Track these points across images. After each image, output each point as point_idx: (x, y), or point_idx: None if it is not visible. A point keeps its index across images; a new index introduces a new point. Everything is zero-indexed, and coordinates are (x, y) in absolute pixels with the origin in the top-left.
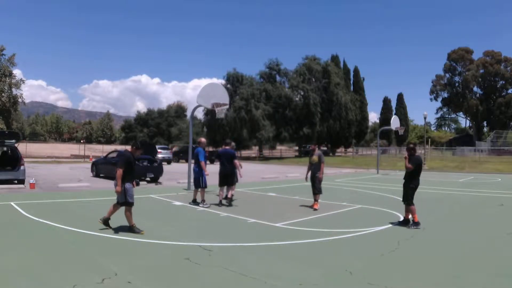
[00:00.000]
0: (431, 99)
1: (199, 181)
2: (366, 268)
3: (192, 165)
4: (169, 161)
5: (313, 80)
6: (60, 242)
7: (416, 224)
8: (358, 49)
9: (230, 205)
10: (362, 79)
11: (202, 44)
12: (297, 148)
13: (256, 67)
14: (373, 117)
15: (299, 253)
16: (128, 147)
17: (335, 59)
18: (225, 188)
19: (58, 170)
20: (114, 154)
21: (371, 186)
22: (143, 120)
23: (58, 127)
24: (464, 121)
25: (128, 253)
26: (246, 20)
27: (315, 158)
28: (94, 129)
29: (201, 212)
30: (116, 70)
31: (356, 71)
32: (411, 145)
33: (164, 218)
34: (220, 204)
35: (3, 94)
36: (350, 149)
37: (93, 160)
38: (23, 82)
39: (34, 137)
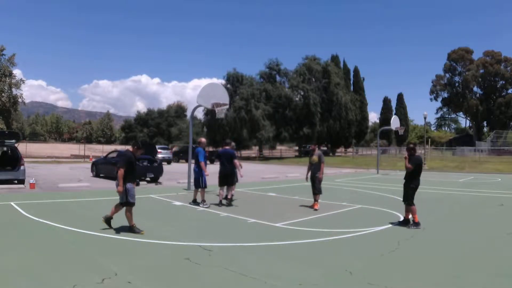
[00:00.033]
0: (431, 99)
1: (199, 181)
2: (366, 268)
3: (193, 165)
4: (169, 161)
5: (313, 80)
6: (60, 242)
7: (416, 224)
8: (358, 49)
9: (230, 205)
10: (362, 79)
11: (202, 44)
12: (297, 148)
13: (256, 67)
14: (373, 117)
15: (299, 253)
16: (128, 147)
17: (335, 59)
18: (225, 188)
19: (58, 170)
20: (114, 154)
21: (371, 186)
22: (143, 120)
23: (58, 127)
24: (464, 121)
25: (128, 253)
26: (246, 20)
27: (315, 158)
28: (94, 129)
29: (201, 212)
30: (116, 70)
31: (356, 71)
32: (411, 145)
33: (164, 218)
34: (220, 204)
35: (3, 94)
36: (350, 149)
37: (93, 160)
38: (23, 82)
39: (34, 137)
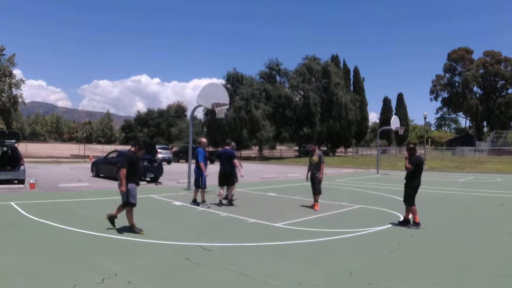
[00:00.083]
0: (431, 99)
1: (199, 181)
2: (366, 268)
3: (193, 165)
4: (169, 161)
5: (313, 80)
6: (60, 242)
7: (416, 224)
8: (358, 49)
9: (231, 205)
10: (362, 79)
11: (202, 44)
12: (297, 148)
13: (256, 67)
14: (373, 117)
15: (299, 253)
16: (128, 147)
17: (335, 59)
18: (225, 188)
19: (58, 170)
20: (114, 154)
21: (371, 186)
22: (143, 120)
23: (58, 127)
24: (464, 121)
25: (128, 253)
26: (246, 20)
27: (315, 158)
28: (94, 129)
29: (201, 212)
30: (116, 70)
31: (356, 71)
32: (411, 145)
33: (164, 218)
34: (220, 204)
35: (3, 94)
36: (350, 149)
37: (93, 160)
38: (23, 82)
39: (34, 137)
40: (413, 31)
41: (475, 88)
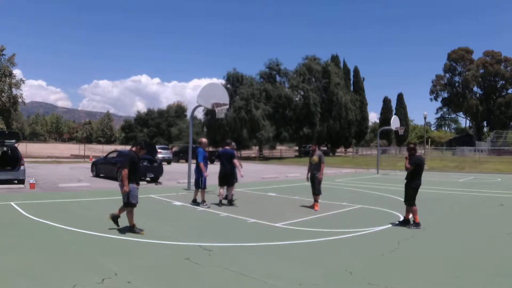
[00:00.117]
0: (431, 99)
1: (199, 182)
2: (366, 268)
3: (193, 166)
4: (169, 161)
5: (313, 80)
6: (60, 242)
7: (416, 225)
8: (358, 49)
9: (231, 205)
10: (362, 79)
11: (202, 44)
12: (297, 148)
13: (256, 67)
14: (373, 117)
15: (299, 253)
16: (128, 147)
17: (335, 59)
18: (225, 188)
19: (58, 170)
20: (114, 154)
21: (371, 186)
22: (143, 120)
23: (58, 127)
24: (464, 121)
25: (128, 253)
26: (246, 20)
27: (315, 158)
28: (94, 129)
29: (201, 212)
30: (116, 70)
31: (356, 71)
32: (412, 145)
33: (164, 218)
34: (220, 204)
35: (3, 94)
36: (350, 149)
37: (93, 160)
38: (23, 82)
39: (34, 137)
40: (413, 31)
41: (475, 88)
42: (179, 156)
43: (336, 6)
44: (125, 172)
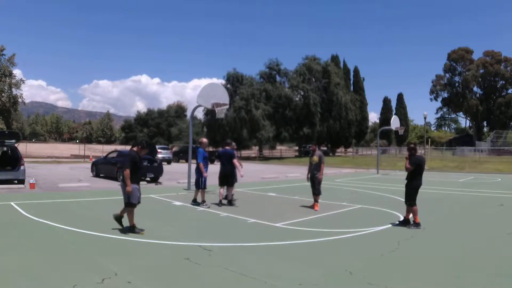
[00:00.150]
0: (431, 99)
1: (199, 182)
2: (366, 268)
3: (194, 166)
4: (169, 161)
5: (313, 80)
6: (60, 242)
7: (416, 225)
8: (358, 49)
9: (230, 205)
10: (362, 79)
11: (202, 44)
12: (297, 148)
13: (256, 67)
14: (373, 117)
15: (299, 253)
16: (128, 147)
17: (335, 59)
18: (225, 188)
19: (58, 170)
20: (114, 154)
21: (371, 186)
22: (143, 120)
23: (58, 127)
24: (464, 121)
25: (128, 253)
26: (246, 20)
27: (315, 158)
28: (94, 129)
29: (201, 212)
30: (116, 70)
31: (356, 71)
32: (412, 145)
33: (164, 218)
34: (220, 204)
35: (3, 94)
36: (350, 149)
37: (93, 160)
38: (23, 82)
39: (34, 137)
40: (413, 31)
41: (475, 88)
42: (179, 156)
43: (336, 6)
44: (127, 172)
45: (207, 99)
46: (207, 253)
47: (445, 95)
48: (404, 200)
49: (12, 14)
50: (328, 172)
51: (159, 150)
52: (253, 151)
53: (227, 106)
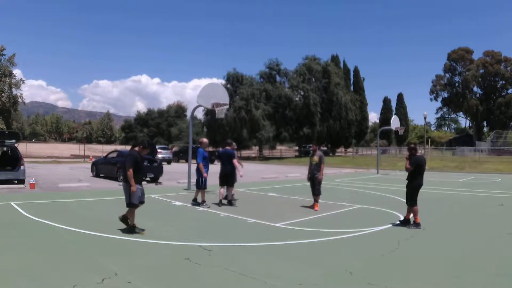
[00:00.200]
0: (431, 99)
1: (199, 182)
2: (366, 268)
3: (194, 166)
4: (169, 161)
5: (313, 80)
6: (60, 242)
7: (416, 225)
8: (358, 49)
9: (230, 205)
10: (362, 79)
11: (202, 44)
12: (297, 148)
13: (256, 67)
14: (373, 117)
15: (299, 253)
16: (128, 147)
17: (335, 59)
18: (225, 187)
19: (58, 170)
20: (114, 154)
21: (371, 186)
22: (143, 120)
23: (58, 127)
24: (464, 121)
25: (128, 253)
26: (246, 20)
27: (315, 158)
28: (94, 129)
29: (201, 212)
30: (116, 70)
31: (356, 71)
32: (412, 145)
33: (164, 218)
34: (220, 204)
35: (3, 94)
36: (350, 149)
37: (93, 160)
38: (23, 82)
39: (34, 137)
40: (413, 31)
41: (475, 88)
42: (179, 156)
43: (336, 6)
44: (130, 172)
45: (207, 99)
46: (207, 253)
47: (445, 95)
48: (405, 200)
49: (12, 14)
50: (328, 172)
51: (159, 150)
52: (253, 151)
53: (227, 106)
